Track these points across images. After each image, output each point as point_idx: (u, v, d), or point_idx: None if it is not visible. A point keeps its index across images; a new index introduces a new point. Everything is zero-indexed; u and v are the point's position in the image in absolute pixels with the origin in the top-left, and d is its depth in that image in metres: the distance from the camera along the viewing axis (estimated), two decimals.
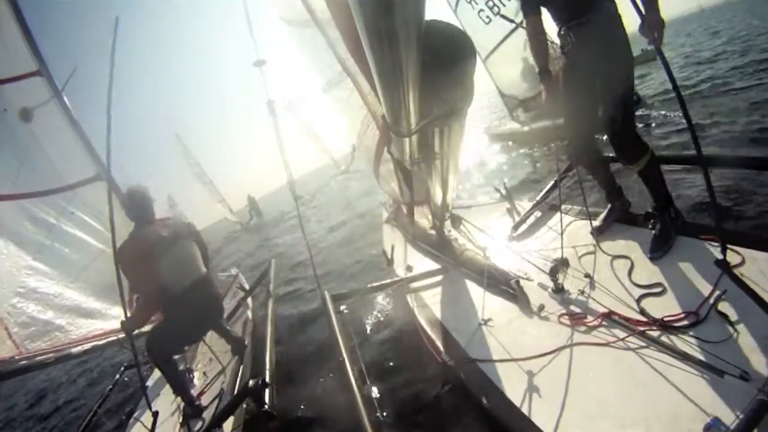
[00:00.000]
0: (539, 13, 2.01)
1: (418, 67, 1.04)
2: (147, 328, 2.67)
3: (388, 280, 2.59)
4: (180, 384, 2.42)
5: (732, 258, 1.54)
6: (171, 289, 2.31)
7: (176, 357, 2.68)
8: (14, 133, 2.91)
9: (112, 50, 2.37)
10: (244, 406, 2.07)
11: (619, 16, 1.80)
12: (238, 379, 2.45)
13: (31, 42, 2.80)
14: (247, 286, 3.87)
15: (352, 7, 0.83)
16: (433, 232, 2.91)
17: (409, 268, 2.68)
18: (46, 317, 2.88)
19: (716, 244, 1.63)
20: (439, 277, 2.49)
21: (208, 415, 2.27)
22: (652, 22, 1.53)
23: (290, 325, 3.80)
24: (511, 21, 7.37)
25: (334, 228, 7.98)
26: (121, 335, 2.71)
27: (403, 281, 2.49)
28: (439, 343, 1.88)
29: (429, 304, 2.25)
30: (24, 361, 2.71)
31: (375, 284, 2.57)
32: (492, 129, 9.96)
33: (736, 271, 1.48)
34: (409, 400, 2.13)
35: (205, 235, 2.87)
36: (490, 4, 7.53)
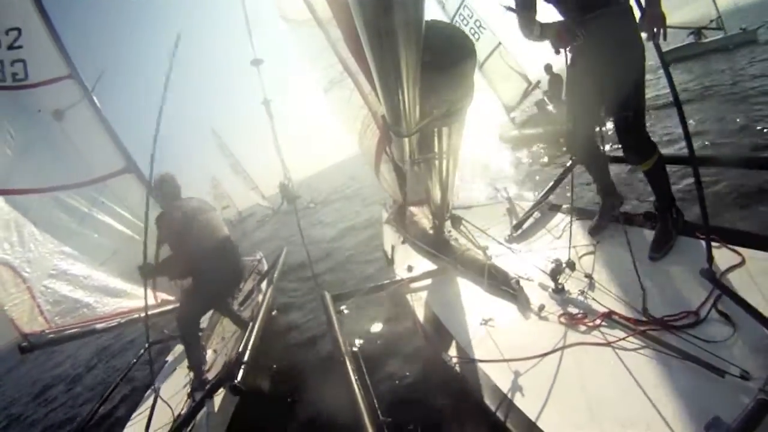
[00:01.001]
0: (533, 9, 1.94)
1: (418, 67, 1.05)
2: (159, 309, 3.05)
3: (389, 281, 2.59)
4: (197, 358, 2.71)
5: (732, 258, 1.54)
6: (202, 248, 2.72)
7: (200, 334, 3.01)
8: (48, 132, 3.22)
9: (169, 67, 2.59)
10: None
11: (631, 11, 1.75)
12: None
13: (61, 48, 3.19)
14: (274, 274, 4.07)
15: (352, 6, 0.83)
16: (433, 232, 2.91)
17: (409, 269, 2.68)
18: (75, 296, 3.19)
19: (717, 244, 1.63)
20: (439, 278, 2.49)
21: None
22: (652, 16, 1.50)
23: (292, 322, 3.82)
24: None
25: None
26: (143, 314, 2.96)
27: (404, 281, 2.49)
28: (439, 344, 1.88)
29: (429, 304, 2.25)
30: (52, 335, 3.04)
31: (375, 284, 2.57)
32: (504, 133, 10.02)
33: (736, 272, 1.48)
34: (410, 401, 2.13)
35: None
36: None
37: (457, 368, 1.66)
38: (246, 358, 2.29)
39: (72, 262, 3.22)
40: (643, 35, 1.65)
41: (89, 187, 3.35)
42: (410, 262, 2.78)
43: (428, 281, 2.50)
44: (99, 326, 3.21)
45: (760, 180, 2.85)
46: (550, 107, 8.45)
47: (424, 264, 2.74)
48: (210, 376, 2.67)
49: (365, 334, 3.01)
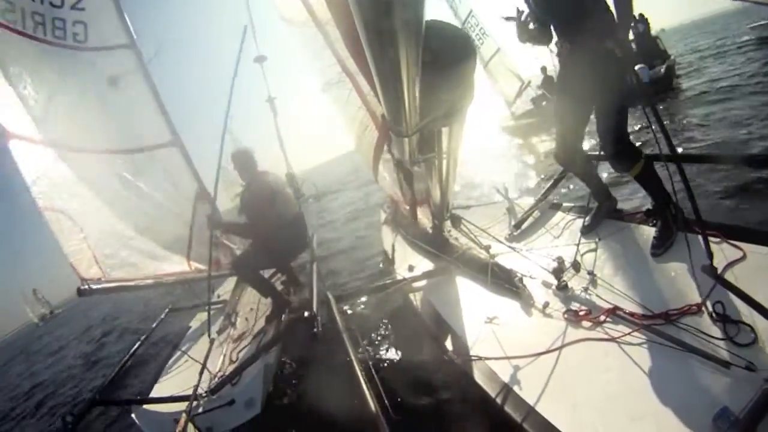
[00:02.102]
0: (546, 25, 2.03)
1: (418, 67, 1.04)
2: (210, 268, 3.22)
3: (391, 280, 2.59)
4: (269, 287, 3.23)
5: (733, 253, 1.54)
6: (281, 219, 3.16)
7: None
8: (101, 96, 3.32)
9: (237, 58, 2.89)
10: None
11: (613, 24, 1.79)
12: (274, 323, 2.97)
13: (121, 16, 3.25)
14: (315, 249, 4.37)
15: (352, 7, 0.83)
16: (433, 232, 2.91)
17: (410, 268, 2.68)
18: (123, 254, 3.52)
19: (718, 239, 1.63)
20: (441, 277, 2.49)
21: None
22: (621, 38, 1.59)
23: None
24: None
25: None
26: (181, 278, 3.67)
27: (406, 281, 2.49)
28: (445, 342, 1.88)
29: (433, 304, 2.25)
30: (106, 284, 3.45)
31: (378, 284, 2.57)
32: (504, 123, 11.45)
33: (738, 266, 1.49)
34: (418, 399, 2.13)
35: None
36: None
37: (464, 366, 1.66)
38: (315, 307, 2.60)
39: (119, 222, 3.47)
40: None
41: (137, 154, 3.46)
42: (411, 262, 2.78)
43: (430, 280, 2.50)
44: (142, 283, 3.62)
45: (759, 176, 2.86)
46: (545, 103, 9.64)
47: (424, 264, 2.74)
48: (244, 343, 2.92)
49: (369, 334, 3.01)
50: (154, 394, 2.77)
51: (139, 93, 3.38)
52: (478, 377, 1.58)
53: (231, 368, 2.57)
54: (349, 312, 2.46)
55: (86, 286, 3.36)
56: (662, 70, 7.99)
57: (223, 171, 3.19)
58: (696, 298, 1.43)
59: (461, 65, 1.21)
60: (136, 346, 3.70)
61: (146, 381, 3.34)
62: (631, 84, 1.73)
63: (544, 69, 9.96)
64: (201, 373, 2.40)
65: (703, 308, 1.38)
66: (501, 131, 11.31)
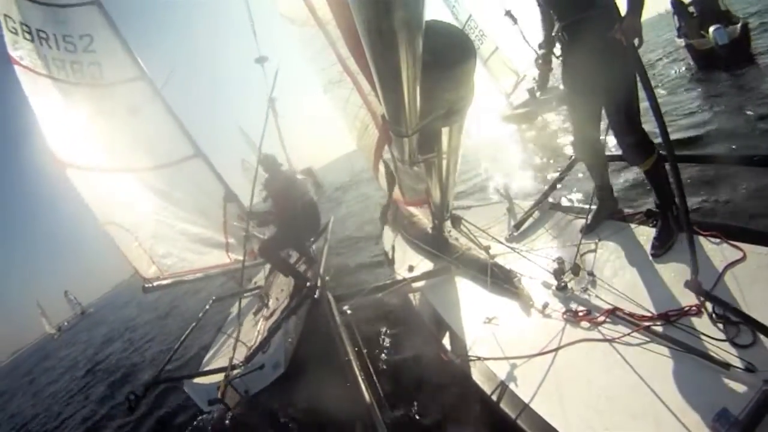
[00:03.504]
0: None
1: (418, 67, 1.04)
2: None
3: (390, 281, 2.59)
4: (289, 267, 3.91)
5: (733, 254, 1.54)
6: (297, 203, 3.88)
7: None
8: (126, 124, 3.86)
9: (270, 91, 3.58)
10: None
11: (617, 10, 1.71)
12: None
13: (131, 55, 3.81)
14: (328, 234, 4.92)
15: (352, 7, 0.83)
16: (433, 232, 2.91)
17: (410, 268, 2.68)
18: (174, 252, 4.22)
19: (718, 240, 1.63)
20: (441, 277, 2.49)
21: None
22: (628, 27, 1.47)
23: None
24: None
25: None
26: (225, 269, 4.42)
27: (406, 281, 2.49)
28: (444, 342, 1.88)
29: (432, 304, 2.25)
30: (164, 280, 4.19)
31: (378, 284, 2.57)
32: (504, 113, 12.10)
33: (738, 267, 1.49)
34: (417, 398, 2.13)
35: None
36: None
37: (463, 366, 1.66)
38: (319, 282, 3.17)
39: (164, 227, 4.11)
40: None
41: (166, 169, 4.05)
42: (411, 262, 2.78)
43: (430, 281, 2.50)
44: (191, 277, 4.38)
45: (759, 176, 2.85)
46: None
47: (424, 264, 2.73)
48: (274, 319, 3.40)
49: (369, 334, 3.01)
50: (201, 370, 3.31)
51: (158, 116, 3.92)
52: (478, 377, 1.58)
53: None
54: (349, 312, 2.46)
55: (150, 284, 4.05)
56: (737, 29, 6.85)
57: (248, 172, 3.78)
58: (696, 299, 1.43)
59: (461, 65, 1.21)
60: (186, 333, 4.01)
61: (197, 361, 3.93)
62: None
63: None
64: (234, 348, 2.84)
65: (703, 309, 1.38)
66: (501, 120, 12.27)
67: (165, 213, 4.10)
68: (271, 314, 3.63)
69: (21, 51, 3.50)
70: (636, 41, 1.49)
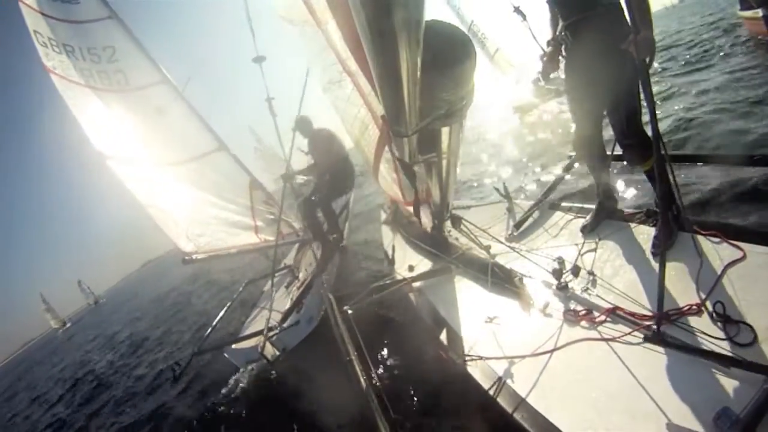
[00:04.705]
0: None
1: (418, 67, 1.04)
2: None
3: (391, 281, 2.58)
4: (319, 227, 4.33)
5: (733, 253, 1.54)
6: (339, 155, 4.33)
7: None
8: (158, 122, 4.23)
9: (300, 99, 4.06)
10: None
11: (621, 10, 1.73)
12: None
13: (151, 61, 4.15)
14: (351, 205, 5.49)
15: (352, 6, 0.83)
16: (433, 232, 2.91)
17: (410, 269, 2.68)
18: (208, 232, 4.57)
19: (717, 239, 1.63)
20: (441, 277, 2.49)
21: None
22: (642, 42, 1.41)
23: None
24: None
25: None
26: (257, 247, 4.81)
27: (406, 281, 2.49)
28: (445, 342, 1.88)
29: (433, 304, 2.25)
30: (201, 255, 4.55)
31: (378, 284, 2.57)
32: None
33: (738, 266, 1.49)
34: (418, 398, 2.13)
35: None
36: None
37: (464, 365, 1.66)
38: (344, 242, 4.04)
39: (198, 213, 4.51)
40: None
41: (194, 162, 4.39)
42: (411, 263, 2.77)
43: (431, 281, 2.50)
44: (225, 253, 4.68)
45: (759, 175, 2.85)
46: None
47: (424, 264, 2.73)
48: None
49: (370, 334, 3.00)
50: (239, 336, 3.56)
51: (183, 115, 4.29)
52: (479, 376, 1.58)
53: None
54: (350, 312, 2.46)
55: (189, 257, 4.47)
56: None
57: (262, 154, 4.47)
58: (696, 298, 1.43)
59: (461, 65, 1.21)
60: (222, 312, 4.35)
61: (234, 334, 4.22)
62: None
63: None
64: (269, 316, 3.00)
65: (703, 308, 1.38)
66: (514, 111, 13.09)
67: (197, 200, 4.51)
68: (302, 284, 3.82)
69: (53, 62, 3.83)
70: (648, 59, 1.46)
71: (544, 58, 2.10)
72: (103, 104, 4.02)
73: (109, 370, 7.54)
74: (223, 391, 3.42)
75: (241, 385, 3.31)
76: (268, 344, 2.71)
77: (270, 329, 2.85)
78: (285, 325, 3.07)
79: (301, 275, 4.34)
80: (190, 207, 4.48)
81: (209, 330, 3.98)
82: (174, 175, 4.35)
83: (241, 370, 3.30)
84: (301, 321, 3.09)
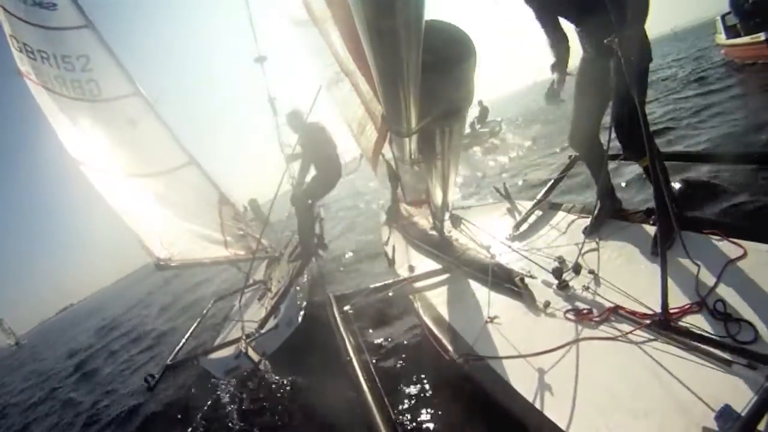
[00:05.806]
0: (555, 25, 2.01)
1: (418, 67, 1.04)
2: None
3: (391, 281, 2.58)
4: (309, 224, 4.35)
5: (734, 251, 1.54)
6: (328, 148, 4.26)
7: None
8: (128, 134, 4.25)
9: (308, 112, 4.10)
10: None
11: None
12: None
13: (125, 73, 4.18)
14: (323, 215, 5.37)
15: (352, 6, 0.82)
16: (433, 232, 2.91)
17: (410, 269, 2.68)
18: (180, 243, 4.51)
19: (718, 237, 1.63)
20: (441, 277, 2.48)
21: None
22: (622, 38, 1.40)
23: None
24: None
25: None
26: (228, 260, 4.80)
27: (407, 281, 2.49)
28: (446, 342, 1.87)
29: (434, 304, 2.25)
30: (173, 262, 4.43)
31: (378, 284, 2.57)
32: None
33: (738, 264, 1.49)
34: (419, 399, 2.13)
35: None
36: None
37: (465, 366, 1.66)
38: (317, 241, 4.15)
39: (170, 224, 4.50)
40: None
41: (163, 176, 4.43)
42: (411, 263, 2.77)
43: (431, 281, 2.50)
44: (199, 263, 4.68)
45: (759, 174, 2.86)
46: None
47: (425, 264, 2.73)
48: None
49: (370, 334, 3.01)
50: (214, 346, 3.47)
51: (154, 128, 4.30)
52: (480, 376, 1.57)
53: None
54: (350, 312, 2.46)
55: (162, 262, 4.35)
56: None
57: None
58: (697, 296, 1.43)
59: (461, 65, 1.21)
60: (192, 328, 4.24)
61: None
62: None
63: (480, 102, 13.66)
64: (243, 326, 3.04)
65: (704, 306, 1.38)
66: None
67: (166, 213, 4.48)
68: (275, 294, 3.77)
69: (27, 67, 3.83)
70: (636, 56, 1.47)
71: (555, 72, 2.09)
72: (75, 113, 4.01)
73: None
74: (209, 402, 3.22)
75: (225, 394, 3.14)
76: (248, 351, 2.68)
77: (248, 336, 2.80)
78: (263, 330, 3.01)
79: (273, 288, 4.26)
80: (161, 218, 4.49)
81: (181, 343, 3.77)
82: (144, 188, 4.38)
83: (222, 381, 3.15)
84: (280, 325, 3.06)
